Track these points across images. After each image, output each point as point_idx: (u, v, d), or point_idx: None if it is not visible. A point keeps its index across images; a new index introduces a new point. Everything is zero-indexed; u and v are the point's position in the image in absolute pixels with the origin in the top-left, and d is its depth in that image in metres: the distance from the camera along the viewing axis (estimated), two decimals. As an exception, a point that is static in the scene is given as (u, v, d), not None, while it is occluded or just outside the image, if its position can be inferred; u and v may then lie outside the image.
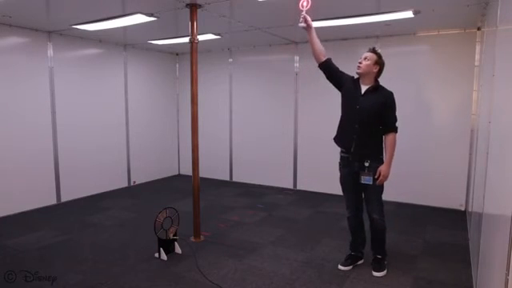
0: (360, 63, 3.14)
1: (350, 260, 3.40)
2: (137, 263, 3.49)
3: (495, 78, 2.45)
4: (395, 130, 3.15)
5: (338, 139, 3.30)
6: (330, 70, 3.26)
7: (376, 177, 3.10)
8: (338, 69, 3.29)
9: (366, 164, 3.12)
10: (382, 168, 3.09)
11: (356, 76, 3.24)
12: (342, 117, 3.29)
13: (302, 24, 3.12)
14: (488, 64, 3.19)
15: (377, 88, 3.16)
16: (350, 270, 3.34)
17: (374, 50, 3.15)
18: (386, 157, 3.14)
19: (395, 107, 3.19)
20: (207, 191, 6.14)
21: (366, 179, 3.14)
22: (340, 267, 3.36)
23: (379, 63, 3.13)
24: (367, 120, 3.09)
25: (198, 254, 3.66)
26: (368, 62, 3.11)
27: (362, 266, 3.43)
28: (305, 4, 3.02)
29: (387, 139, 3.14)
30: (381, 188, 3.19)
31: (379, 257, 3.32)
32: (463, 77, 4.99)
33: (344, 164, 3.28)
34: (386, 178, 3.11)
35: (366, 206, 3.27)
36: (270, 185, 6.64)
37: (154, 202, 5.59)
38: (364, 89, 3.16)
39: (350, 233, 3.47)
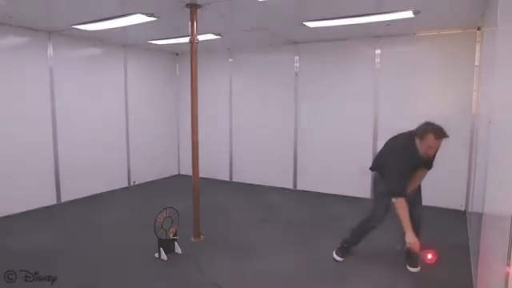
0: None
1: (346, 251, 3.53)
2: (137, 263, 3.49)
3: (495, 78, 2.45)
4: None
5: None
6: None
7: None
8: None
9: None
10: None
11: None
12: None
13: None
14: (488, 64, 3.19)
15: None
16: (349, 270, 3.35)
17: (444, 136, 3.02)
18: None
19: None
20: (207, 191, 6.12)
21: None
22: (338, 258, 3.50)
23: None
24: None
25: (197, 254, 3.66)
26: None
27: (362, 265, 3.43)
28: (429, 257, 3.09)
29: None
30: None
31: (412, 253, 3.39)
32: (463, 77, 4.99)
33: None
34: None
35: (413, 208, 3.27)
36: (270, 185, 6.63)
37: (154, 202, 5.57)
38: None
39: (362, 235, 3.48)
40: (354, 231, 3.52)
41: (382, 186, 3.29)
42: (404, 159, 3.10)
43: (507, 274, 1.40)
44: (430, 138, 2.96)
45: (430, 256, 3.07)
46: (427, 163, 3.31)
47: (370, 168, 3.52)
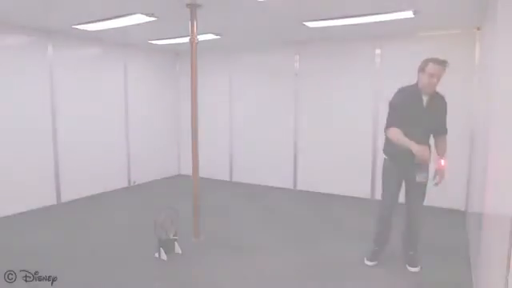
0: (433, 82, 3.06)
1: (377, 255, 3.46)
2: (137, 263, 3.49)
3: (495, 77, 2.45)
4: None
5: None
6: None
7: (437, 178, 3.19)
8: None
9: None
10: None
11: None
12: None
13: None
14: (488, 64, 3.19)
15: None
16: (349, 270, 3.35)
17: (444, 63, 3.02)
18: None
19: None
20: (207, 191, 6.12)
21: (423, 176, 3.12)
22: (368, 263, 3.43)
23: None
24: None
25: (197, 254, 3.66)
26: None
27: (362, 265, 3.43)
28: (442, 163, 3.11)
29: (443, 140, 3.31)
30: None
31: (411, 253, 3.40)
32: (463, 77, 4.98)
33: (397, 163, 3.23)
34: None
35: (412, 204, 3.29)
36: (270, 185, 6.63)
37: (154, 202, 5.59)
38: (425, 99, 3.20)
39: (385, 229, 3.42)
40: (376, 229, 3.48)
41: (395, 172, 3.23)
42: (398, 96, 3.16)
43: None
44: (430, 65, 3.01)
45: (442, 162, 3.08)
46: (439, 126, 3.29)
47: (383, 150, 3.44)
